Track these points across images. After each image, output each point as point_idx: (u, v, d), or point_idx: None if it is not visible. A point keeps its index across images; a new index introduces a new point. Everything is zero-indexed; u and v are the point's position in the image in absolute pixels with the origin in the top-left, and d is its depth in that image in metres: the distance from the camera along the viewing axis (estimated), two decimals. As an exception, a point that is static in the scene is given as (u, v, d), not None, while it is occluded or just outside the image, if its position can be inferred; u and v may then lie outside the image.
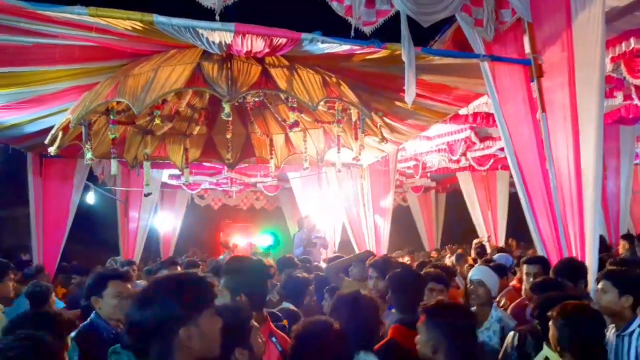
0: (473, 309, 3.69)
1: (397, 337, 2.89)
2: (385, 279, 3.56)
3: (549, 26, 4.23)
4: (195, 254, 12.11)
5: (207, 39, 4.02)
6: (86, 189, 8.75)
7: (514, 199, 10.19)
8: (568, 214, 4.09)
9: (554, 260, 4.14)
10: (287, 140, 7.58)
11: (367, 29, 4.06)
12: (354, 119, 5.96)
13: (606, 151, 4.64)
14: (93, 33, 3.78)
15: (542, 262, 4.02)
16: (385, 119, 6.39)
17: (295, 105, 5.38)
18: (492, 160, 10.17)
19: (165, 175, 10.70)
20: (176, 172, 9.02)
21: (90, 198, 9.15)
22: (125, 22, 3.66)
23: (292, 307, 4.30)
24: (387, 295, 3.52)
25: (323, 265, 6.85)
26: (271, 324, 2.69)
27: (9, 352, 1.73)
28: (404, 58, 3.99)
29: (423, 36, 4.66)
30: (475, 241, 9.82)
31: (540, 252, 4.32)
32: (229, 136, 6.81)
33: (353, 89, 5.37)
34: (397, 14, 3.99)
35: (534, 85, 4.34)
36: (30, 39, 3.98)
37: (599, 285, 3.02)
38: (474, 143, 9.01)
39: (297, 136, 7.32)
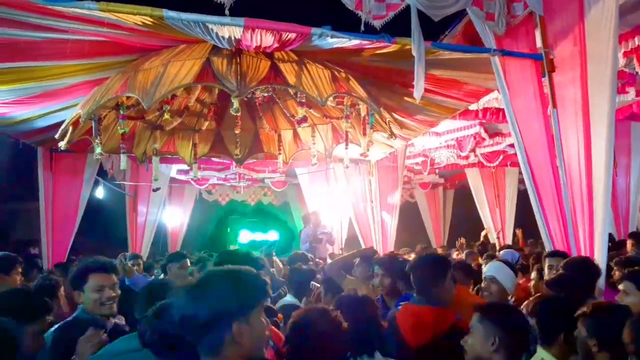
0: None
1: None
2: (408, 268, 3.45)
3: (561, 20, 4.18)
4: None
5: (216, 33, 4.02)
6: (96, 183, 8.79)
7: (522, 196, 10.13)
8: (578, 211, 4.05)
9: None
10: (296, 135, 7.59)
11: (377, 23, 4.04)
12: (362, 114, 5.95)
13: (617, 148, 4.60)
14: (103, 28, 3.79)
15: (565, 256, 3.94)
16: (394, 114, 6.36)
17: (304, 101, 5.38)
18: (501, 157, 10.10)
19: (173, 170, 10.75)
20: (185, 167, 9.05)
21: (100, 193, 9.21)
22: (135, 17, 3.67)
23: (294, 300, 4.31)
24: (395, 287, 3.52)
25: (329, 261, 6.87)
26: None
27: None
28: (414, 53, 3.96)
29: (433, 30, 4.63)
30: (482, 234, 9.80)
31: (548, 249, 4.29)
32: (237, 131, 6.82)
33: (362, 84, 5.35)
34: (408, 7, 3.97)
35: (545, 81, 4.29)
36: (41, 34, 4.00)
37: (621, 287, 2.98)
38: (484, 139, 8.96)
39: (306, 132, 7.32)
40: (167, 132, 6.97)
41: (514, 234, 11.55)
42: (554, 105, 4.22)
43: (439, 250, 11.21)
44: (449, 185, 15.14)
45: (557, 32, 4.23)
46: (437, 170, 12.45)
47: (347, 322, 2.40)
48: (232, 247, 11.97)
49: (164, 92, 4.43)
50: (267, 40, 4.27)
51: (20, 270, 4.67)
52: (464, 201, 14.17)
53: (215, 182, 13.08)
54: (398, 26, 4.13)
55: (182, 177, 11.70)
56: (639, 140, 8.33)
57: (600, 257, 3.86)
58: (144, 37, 4.40)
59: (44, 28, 3.88)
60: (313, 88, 4.74)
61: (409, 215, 14.24)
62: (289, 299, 4.51)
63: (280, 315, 3.71)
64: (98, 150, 5.54)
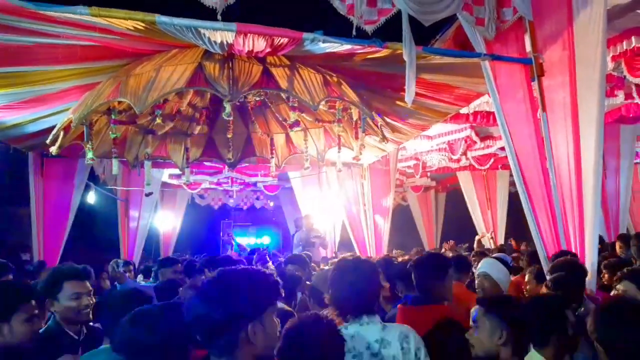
0: None
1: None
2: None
3: (550, 25, 4.23)
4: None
5: (208, 38, 4.03)
6: (87, 188, 8.76)
7: (513, 198, 10.20)
8: (568, 213, 4.09)
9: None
10: (288, 139, 7.60)
11: (369, 28, 4.06)
12: (354, 118, 5.97)
13: (606, 150, 4.67)
14: (95, 33, 3.79)
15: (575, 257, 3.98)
16: (386, 118, 6.40)
17: (296, 105, 5.40)
18: (492, 160, 10.17)
19: (165, 174, 10.72)
20: (176, 171, 9.03)
21: (91, 197, 9.17)
22: (127, 22, 3.67)
23: (282, 305, 4.28)
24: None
25: (322, 265, 6.86)
26: None
27: None
28: (405, 57, 3.99)
29: (424, 35, 4.67)
30: (476, 238, 9.83)
31: (540, 251, 4.33)
32: (229, 135, 6.83)
33: (354, 89, 5.37)
34: (399, 12, 4.00)
35: (534, 85, 4.34)
36: (33, 38, 3.98)
37: (620, 287, 2.97)
38: (475, 142, 9.01)
39: (298, 136, 7.34)
40: (159, 136, 6.96)
41: (506, 237, 11.63)
42: (544, 109, 4.26)
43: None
44: (440, 188, 15.21)
45: (546, 37, 4.28)
46: (428, 174, 12.50)
47: (346, 283, 2.46)
48: (231, 253, 11.90)
49: (156, 97, 4.43)
50: (259, 45, 4.29)
51: (10, 277, 4.60)
52: (455, 204, 14.23)
53: (208, 186, 13.05)
54: (389, 31, 4.16)
55: (174, 182, 11.66)
56: (627, 143, 8.44)
57: (590, 259, 3.91)
58: (136, 42, 4.39)
59: (35, 33, 3.87)
60: (305, 92, 4.76)
61: (402, 218, 14.28)
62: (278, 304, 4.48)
63: None
64: (90, 155, 5.52)
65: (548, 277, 3.75)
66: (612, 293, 2.98)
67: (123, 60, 4.96)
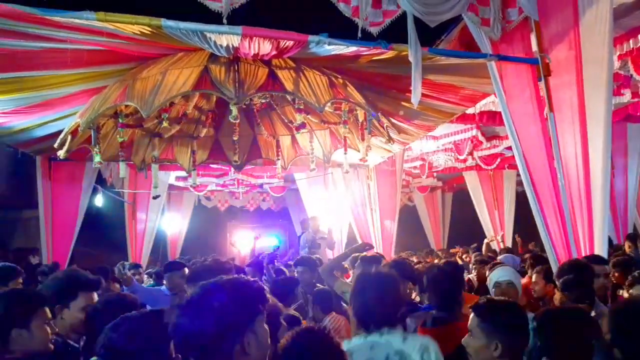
0: None
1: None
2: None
3: (556, 24, 4.22)
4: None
5: (214, 42, 4.04)
6: (94, 191, 8.80)
7: (521, 198, 10.16)
8: (577, 213, 4.07)
9: (563, 259, 4.13)
10: (294, 141, 7.61)
11: (374, 30, 4.07)
12: (360, 119, 5.97)
13: (614, 149, 4.62)
14: (102, 37, 3.81)
15: (605, 262, 3.92)
16: (391, 119, 6.39)
17: (302, 107, 5.40)
18: (499, 160, 10.13)
19: (172, 177, 10.75)
20: (183, 173, 9.06)
21: (99, 200, 9.21)
22: (133, 26, 3.69)
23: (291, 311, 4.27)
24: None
25: None
26: None
27: None
28: (410, 59, 4.00)
29: (429, 36, 4.66)
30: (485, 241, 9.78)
31: (548, 251, 4.31)
32: (235, 138, 6.85)
33: (359, 90, 5.37)
34: (404, 14, 4.00)
35: (541, 84, 4.32)
36: (40, 43, 4.01)
37: (634, 290, 2.96)
38: (481, 142, 8.99)
39: (304, 137, 7.34)
40: (165, 139, 6.98)
41: (514, 237, 11.58)
42: (551, 109, 4.25)
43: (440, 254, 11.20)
44: (447, 189, 15.17)
45: (552, 37, 4.26)
46: (435, 174, 12.49)
47: (368, 295, 2.47)
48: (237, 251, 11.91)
49: (163, 101, 4.45)
50: (265, 48, 4.30)
51: (20, 281, 4.58)
52: (462, 204, 14.18)
53: (214, 188, 13.08)
54: (394, 32, 4.16)
55: (181, 184, 11.70)
56: (635, 141, 8.40)
57: (600, 258, 3.89)
58: (143, 46, 4.42)
59: (42, 38, 3.89)
60: (311, 94, 4.76)
61: (408, 218, 14.25)
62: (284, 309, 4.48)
63: (304, 322, 3.66)
64: (97, 158, 5.54)
65: (557, 281, 3.73)
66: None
67: (129, 64, 4.99)
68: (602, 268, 3.82)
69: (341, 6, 3.93)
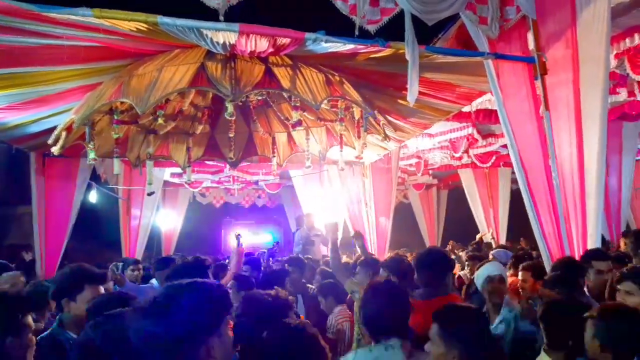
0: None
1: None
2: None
3: (554, 23, 4.21)
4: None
5: (211, 39, 4.02)
6: (89, 187, 8.76)
7: (515, 196, 10.19)
8: (571, 211, 4.09)
9: (556, 256, 4.16)
10: (290, 138, 7.59)
11: (372, 27, 4.06)
12: (356, 117, 5.96)
13: (609, 147, 4.63)
14: (99, 34, 3.79)
15: (610, 258, 3.96)
16: (388, 117, 6.39)
17: (298, 104, 5.39)
18: (494, 158, 10.16)
19: (167, 173, 10.71)
20: (178, 170, 9.02)
21: (93, 197, 9.17)
22: (129, 23, 3.66)
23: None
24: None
25: (321, 264, 6.86)
26: None
27: None
28: (407, 57, 3.98)
29: (427, 34, 4.66)
30: (477, 236, 9.83)
31: (542, 249, 4.33)
32: (231, 135, 6.82)
33: (356, 88, 5.36)
34: (401, 12, 3.99)
35: (537, 83, 4.33)
36: (36, 40, 3.97)
37: (622, 287, 2.92)
38: (477, 140, 9.01)
39: (300, 134, 7.33)
40: (160, 136, 6.95)
41: (508, 235, 11.64)
42: (547, 108, 4.25)
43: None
44: (442, 186, 15.21)
45: (549, 35, 4.26)
46: (430, 172, 12.51)
47: (377, 305, 2.53)
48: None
49: (158, 97, 4.42)
50: (262, 45, 4.28)
51: None
52: (457, 201, 14.23)
53: (209, 185, 13.05)
54: (392, 30, 4.15)
55: (176, 180, 11.66)
56: (630, 140, 8.44)
57: (593, 257, 3.91)
58: (139, 42, 4.38)
59: (39, 34, 3.85)
60: (307, 92, 4.75)
61: (403, 216, 14.28)
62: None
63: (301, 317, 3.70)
64: (91, 155, 5.51)
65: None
66: (617, 295, 2.94)
67: (125, 61, 4.95)
68: (606, 264, 3.85)
69: (339, 4, 3.91)
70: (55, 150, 5.50)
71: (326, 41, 4.08)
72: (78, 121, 4.84)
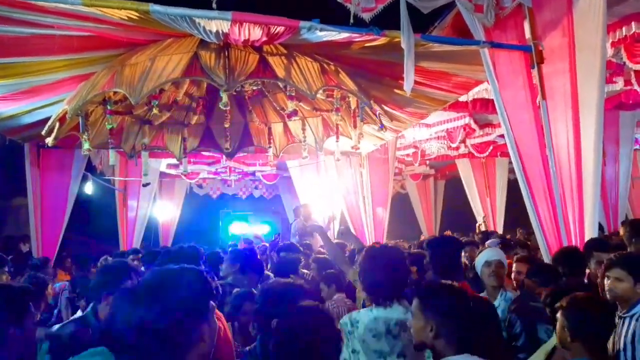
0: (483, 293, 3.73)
1: None
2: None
3: (550, 11, 4.19)
4: None
5: (204, 28, 3.97)
6: (84, 179, 8.73)
7: (512, 186, 10.19)
8: (567, 200, 4.09)
9: (553, 246, 4.16)
10: (286, 128, 7.55)
11: (367, 16, 4.01)
12: (352, 107, 5.92)
13: (605, 137, 4.61)
14: (89, 23, 3.74)
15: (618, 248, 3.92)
16: (384, 106, 6.35)
17: (293, 94, 5.34)
18: (491, 147, 10.15)
19: (163, 164, 10.67)
20: (174, 161, 8.98)
21: (89, 188, 9.14)
22: (120, 11, 3.61)
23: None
24: None
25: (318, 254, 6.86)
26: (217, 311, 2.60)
27: None
28: (403, 46, 3.94)
29: (422, 22, 4.61)
30: (477, 225, 9.86)
31: (539, 238, 4.33)
32: (227, 125, 6.77)
33: (352, 77, 5.32)
34: (397, 0, 3.94)
35: (534, 72, 4.30)
36: (26, 29, 3.93)
37: (612, 273, 2.90)
38: (474, 130, 8.98)
39: (296, 125, 7.28)
40: (155, 126, 6.90)
41: (505, 225, 11.65)
42: (543, 96, 4.23)
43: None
44: (439, 176, 15.20)
45: (545, 24, 4.24)
46: (427, 162, 12.50)
47: (376, 269, 2.67)
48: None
49: (152, 87, 4.38)
50: (256, 33, 4.23)
51: (6, 269, 4.58)
52: (454, 191, 14.24)
53: (206, 176, 13.02)
54: (387, 18, 4.11)
55: (172, 172, 11.63)
56: (627, 129, 8.42)
57: (590, 246, 3.91)
58: (131, 32, 4.34)
59: (28, 23, 3.81)
60: (302, 81, 4.71)
61: (401, 206, 14.29)
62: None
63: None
64: (86, 146, 5.48)
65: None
66: (605, 281, 2.93)
67: (118, 50, 4.90)
68: (607, 255, 3.81)
69: (333, -9, 3.86)
70: (49, 141, 5.47)
71: (321, 30, 4.04)
72: (71, 112, 4.79)
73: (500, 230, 11.05)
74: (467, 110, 7.62)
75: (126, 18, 3.78)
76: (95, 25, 3.90)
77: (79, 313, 3.23)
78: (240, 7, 3.83)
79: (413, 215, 15.53)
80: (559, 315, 2.45)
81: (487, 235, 8.74)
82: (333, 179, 9.67)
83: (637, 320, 2.73)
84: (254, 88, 6.46)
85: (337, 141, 6.49)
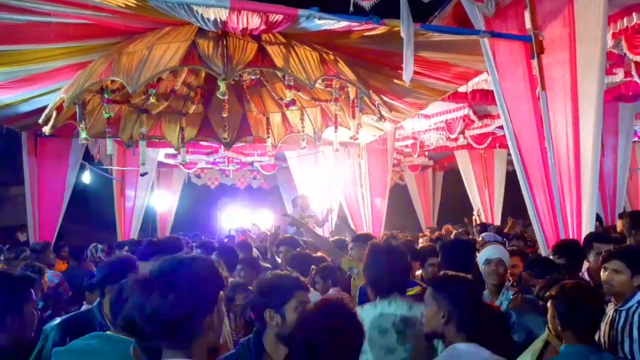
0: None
1: None
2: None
3: (551, 2, 4.15)
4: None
5: (201, 15, 3.94)
6: (82, 168, 8.71)
7: (511, 177, 10.19)
8: (566, 192, 4.08)
9: (550, 238, 4.16)
10: (284, 118, 7.52)
11: (366, 4, 3.99)
12: (351, 97, 5.90)
13: (604, 128, 4.59)
14: (87, 10, 3.70)
15: (616, 241, 3.96)
16: (383, 97, 6.32)
17: (292, 84, 5.31)
18: (490, 139, 10.12)
19: (161, 154, 10.64)
20: (172, 150, 8.96)
21: (86, 177, 9.12)
22: (118, -2, 3.58)
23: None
24: None
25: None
26: None
27: None
28: (402, 35, 3.91)
29: (423, 12, 4.58)
30: (474, 218, 9.85)
31: (536, 230, 4.32)
32: (225, 115, 6.75)
33: (351, 67, 5.29)
34: (397, -12, 3.91)
35: (534, 62, 4.27)
36: (23, 16, 3.89)
37: (609, 265, 2.89)
38: (473, 121, 8.95)
39: (294, 115, 7.26)
40: (153, 115, 6.88)
41: (503, 216, 11.65)
42: (543, 87, 4.21)
43: (426, 233, 11.24)
44: (438, 167, 15.19)
45: (546, 14, 4.20)
46: (426, 153, 12.48)
47: (379, 264, 2.82)
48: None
49: (149, 76, 4.35)
50: (254, 22, 4.20)
51: (2, 258, 4.59)
52: (453, 183, 14.23)
53: (204, 166, 13.00)
54: (387, 7, 4.07)
55: (170, 161, 11.60)
56: (626, 121, 8.39)
57: (588, 238, 3.91)
58: (128, 20, 4.30)
59: (24, 11, 3.77)
60: (301, 71, 4.68)
61: (399, 197, 14.29)
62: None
63: None
64: (83, 134, 5.46)
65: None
66: (602, 273, 2.93)
67: (115, 39, 4.86)
68: (607, 247, 3.80)
69: (333, -20, 3.83)
70: (46, 129, 5.45)
71: (320, 18, 4.01)
72: (68, 100, 4.77)
73: (498, 222, 11.06)
74: (466, 101, 7.58)
75: (124, 6, 3.74)
76: (93, 13, 3.86)
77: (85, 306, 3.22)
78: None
79: (411, 207, 15.54)
80: (549, 304, 2.48)
81: (484, 227, 8.75)
82: (331, 169, 9.66)
83: (633, 313, 2.74)
84: (252, 77, 6.42)
85: (335, 131, 6.47)
